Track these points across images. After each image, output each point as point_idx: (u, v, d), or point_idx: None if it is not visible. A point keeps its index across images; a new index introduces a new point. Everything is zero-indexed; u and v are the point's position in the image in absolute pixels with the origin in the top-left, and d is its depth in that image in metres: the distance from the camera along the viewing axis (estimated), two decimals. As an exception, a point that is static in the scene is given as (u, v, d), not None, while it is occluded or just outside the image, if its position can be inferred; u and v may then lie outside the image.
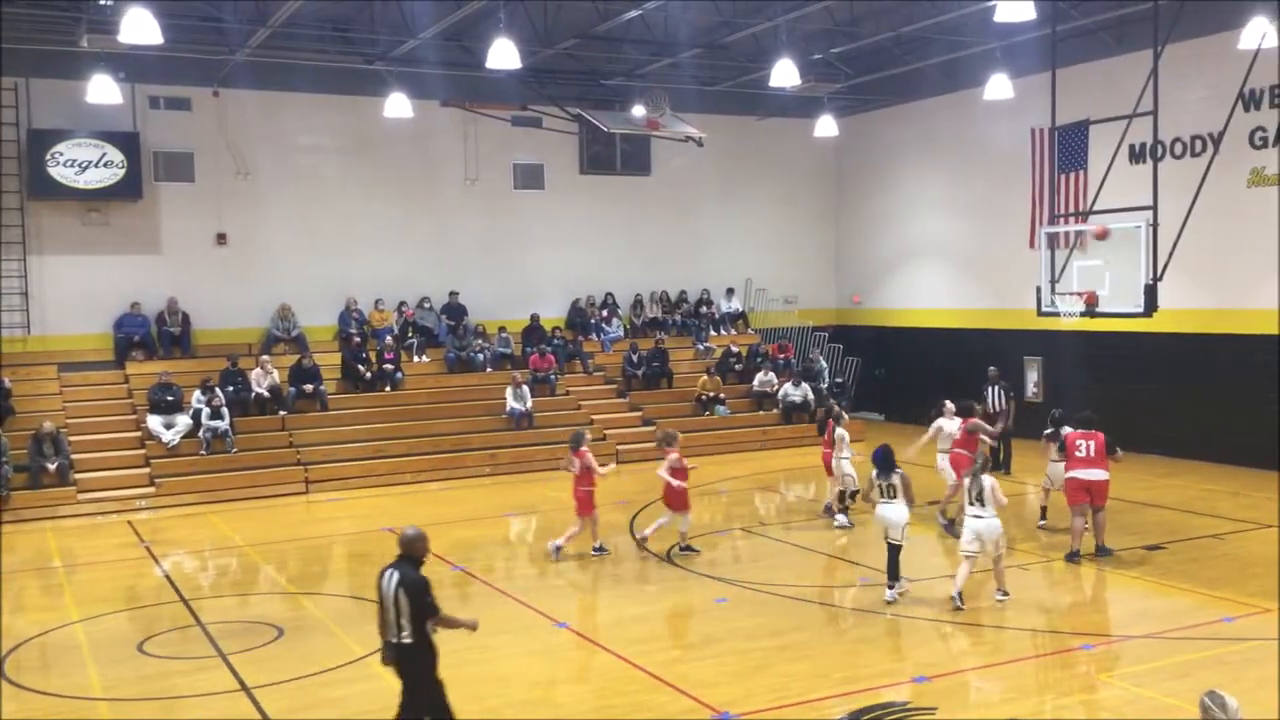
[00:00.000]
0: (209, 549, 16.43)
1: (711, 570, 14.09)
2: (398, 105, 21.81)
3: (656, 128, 23.97)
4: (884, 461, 12.30)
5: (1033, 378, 23.94)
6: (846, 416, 17.00)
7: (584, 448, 14.57)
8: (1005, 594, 12.09)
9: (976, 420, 15.54)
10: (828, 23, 20.98)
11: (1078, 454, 13.78)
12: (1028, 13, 15.00)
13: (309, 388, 21.78)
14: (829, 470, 16.62)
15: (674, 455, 14.75)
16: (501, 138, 25.23)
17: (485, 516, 17.91)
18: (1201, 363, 20.34)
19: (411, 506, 18.71)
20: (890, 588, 12.18)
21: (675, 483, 14.61)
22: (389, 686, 10.07)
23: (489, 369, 24.11)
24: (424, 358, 24.11)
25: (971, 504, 11.87)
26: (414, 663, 7.92)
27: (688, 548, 14.67)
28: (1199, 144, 20.04)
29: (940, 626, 11.52)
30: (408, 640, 7.83)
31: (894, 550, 12.23)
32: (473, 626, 8.38)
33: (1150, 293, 14.52)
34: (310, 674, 10.34)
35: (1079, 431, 13.98)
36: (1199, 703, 5.12)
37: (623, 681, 10.09)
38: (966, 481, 12.03)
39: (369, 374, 22.70)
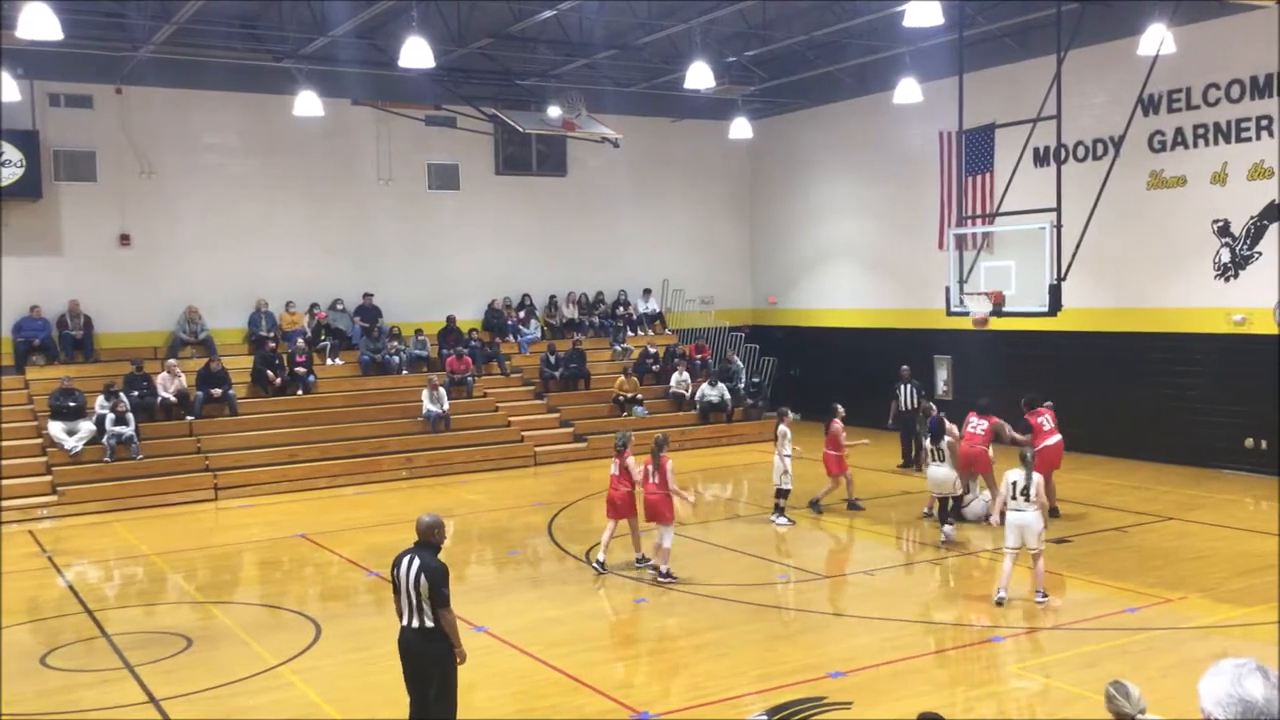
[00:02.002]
0: (114, 558, 15.96)
1: (630, 571, 14.09)
2: (308, 104, 21.44)
3: (572, 128, 23.95)
4: (936, 430, 14.82)
5: (943, 376, 24.42)
6: (791, 415, 17.02)
7: (627, 450, 13.59)
8: (1045, 596, 11.93)
9: (1000, 421, 15.91)
10: (741, 26, 21.15)
11: (969, 428, 15.61)
12: (936, 18, 15.28)
13: (217, 392, 21.30)
14: (830, 470, 16.77)
15: (669, 463, 13.44)
16: (415, 137, 24.97)
17: (401, 521, 17.57)
18: (1104, 360, 20.94)
19: (325, 512, 18.42)
20: (944, 528, 14.75)
21: (683, 495, 13.65)
22: (301, 695, 9.92)
23: (405, 371, 23.85)
24: (337, 360, 23.75)
25: (1015, 499, 11.79)
26: (434, 646, 7.87)
27: (654, 567, 13.60)
28: (1100, 147, 20.63)
29: (856, 622, 11.68)
30: (430, 625, 7.80)
31: (943, 502, 14.83)
32: (461, 657, 8.08)
33: (1054, 292, 14.92)
34: (221, 684, 10.11)
35: (976, 412, 15.83)
36: (1104, 692, 5.26)
37: (542, 684, 10.05)
38: (1014, 476, 11.80)
39: (279, 378, 22.27)
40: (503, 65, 23.11)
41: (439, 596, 7.77)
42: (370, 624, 11.94)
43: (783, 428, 16.34)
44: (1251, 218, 18.88)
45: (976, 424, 15.71)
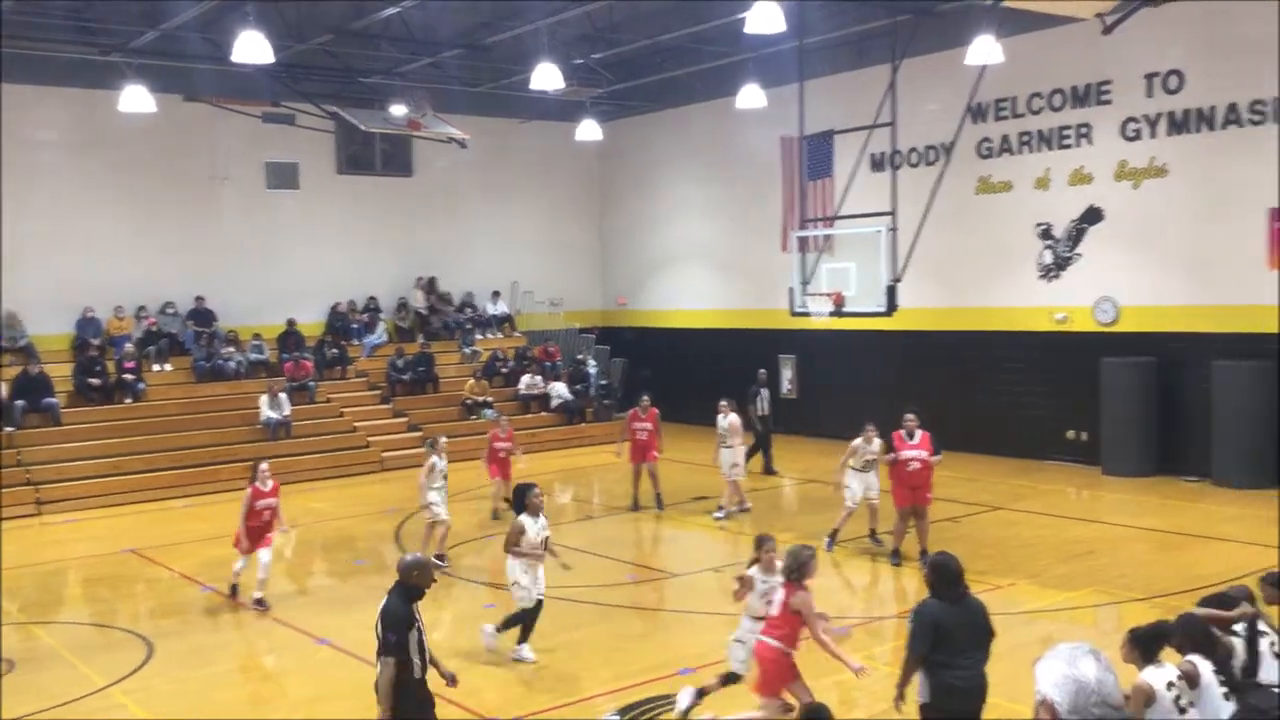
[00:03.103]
0: (-76, 580, 14.91)
1: (480, 576, 13.95)
2: (137, 99, 20.47)
3: (418, 128, 23.56)
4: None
5: (788, 375, 24.97)
6: (727, 402, 17.22)
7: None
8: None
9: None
10: (588, 28, 21.18)
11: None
12: (777, 25, 15.60)
13: (40, 401, 20.16)
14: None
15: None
16: (252, 135, 24.12)
17: (240, 532, 17.04)
18: (937, 357, 21.75)
19: (156, 525, 17.63)
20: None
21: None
22: (132, 717, 9.46)
23: (242, 377, 23.05)
24: (167, 366, 22.77)
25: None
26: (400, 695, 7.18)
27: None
28: (933, 153, 21.43)
29: (706, 618, 11.80)
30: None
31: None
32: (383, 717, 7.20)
33: (891, 293, 15.40)
34: (46, 708, 9.55)
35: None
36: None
37: (389, 695, 9.81)
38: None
39: (101, 384, 21.19)
40: (344, 62, 22.55)
41: (382, 642, 7.11)
42: (205, 641, 11.48)
43: (731, 418, 16.58)
44: (1072, 221, 19.90)
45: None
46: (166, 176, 23.55)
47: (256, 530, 12.85)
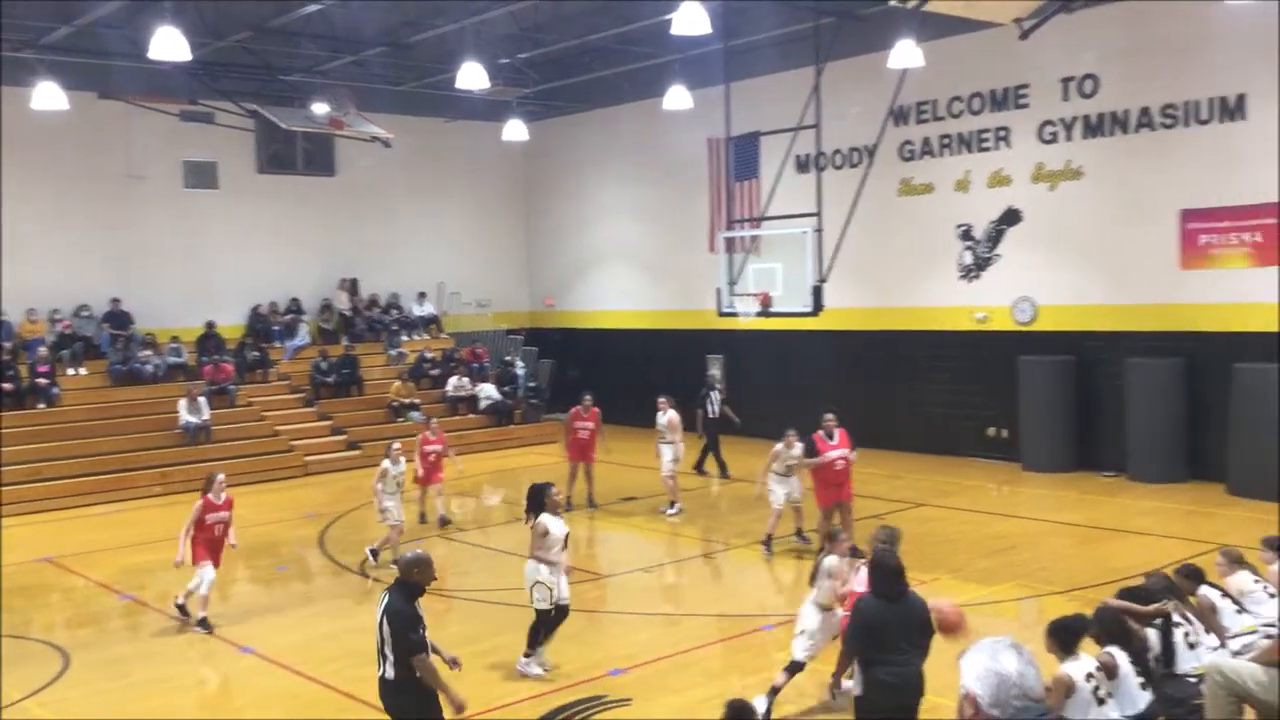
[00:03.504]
0: None
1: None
2: (49, 96, 19.88)
3: (341, 127, 23.25)
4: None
5: (715, 375, 25.07)
6: (666, 399, 17.44)
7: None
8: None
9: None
10: (514, 28, 21.07)
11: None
12: (703, 26, 15.67)
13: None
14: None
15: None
16: (170, 133, 23.58)
17: (158, 540, 16.57)
18: (862, 357, 22.03)
19: (72, 533, 17.17)
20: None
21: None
22: (48, 732, 9.20)
23: (160, 381, 22.54)
24: (82, 370, 22.17)
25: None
26: (394, 701, 7.03)
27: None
28: (856, 156, 21.70)
29: (635, 619, 11.82)
30: (389, 675, 6.97)
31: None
32: (458, 706, 7.13)
33: (817, 293, 15.56)
34: (-48, 726, 9.25)
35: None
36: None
37: (314, 704, 9.69)
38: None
39: (13, 389, 20.54)
40: (264, 60, 22.17)
41: (406, 643, 6.90)
42: (124, 651, 11.21)
43: (670, 415, 16.77)
44: (991, 222, 20.29)
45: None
46: (80, 176, 22.93)
47: (206, 545, 12.00)
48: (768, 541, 14.36)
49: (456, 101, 25.06)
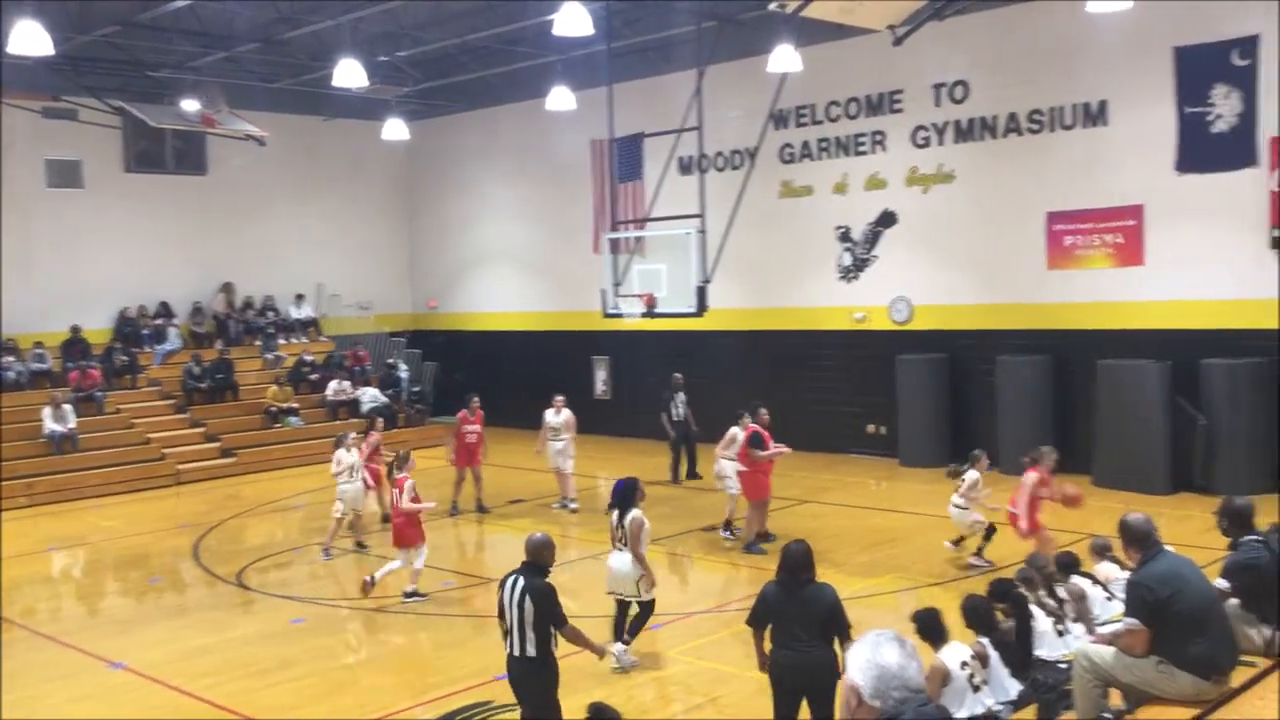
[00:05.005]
0: None
1: (286, 590, 13.49)
2: (-104, 89, 18.91)
3: (212, 124, 22.57)
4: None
5: (601, 376, 25.14)
6: (561, 398, 17.54)
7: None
8: None
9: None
10: (392, 26, 20.75)
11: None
12: (585, 28, 15.67)
13: None
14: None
15: (407, 482, 12.59)
16: (31, 131, 22.58)
17: (22, 554, 15.92)
18: (746, 357, 22.30)
19: (-72, 549, 16.30)
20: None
21: (420, 509, 12.68)
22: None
23: (23, 388, 21.57)
24: (-61, 378, 21.12)
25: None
26: (535, 679, 7.43)
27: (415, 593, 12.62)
28: (738, 158, 21.97)
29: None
30: (531, 654, 7.36)
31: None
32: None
33: (701, 294, 15.69)
34: None
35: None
36: None
37: (188, 719, 9.38)
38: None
39: None
40: (132, 55, 21.41)
41: (552, 618, 7.44)
42: (-14, 671, 10.68)
43: (565, 415, 17.09)
44: (869, 224, 20.76)
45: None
46: (-68, 173, 21.84)
47: (416, 525, 12.66)
48: (728, 525, 14.84)
49: (334, 99, 24.58)
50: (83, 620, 12.58)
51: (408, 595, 12.40)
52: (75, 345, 22.88)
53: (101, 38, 19.82)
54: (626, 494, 10.26)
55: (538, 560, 7.67)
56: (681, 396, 19.07)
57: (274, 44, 21.01)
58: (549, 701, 7.53)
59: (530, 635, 7.37)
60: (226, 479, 21.14)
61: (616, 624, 10.27)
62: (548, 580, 7.62)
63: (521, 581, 7.50)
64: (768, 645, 7.53)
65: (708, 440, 17.04)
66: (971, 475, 13.13)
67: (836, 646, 7.19)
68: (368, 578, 12.61)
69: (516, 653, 7.46)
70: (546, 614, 7.40)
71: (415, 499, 12.55)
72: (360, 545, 15.10)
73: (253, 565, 14.60)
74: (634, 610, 10.22)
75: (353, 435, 15.39)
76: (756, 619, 7.61)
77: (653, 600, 10.23)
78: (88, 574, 14.97)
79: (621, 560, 10.16)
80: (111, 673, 10.62)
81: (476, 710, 9.17)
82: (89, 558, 15.81)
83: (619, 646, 10.05)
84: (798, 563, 7.45)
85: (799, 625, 7.30)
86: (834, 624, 7.26)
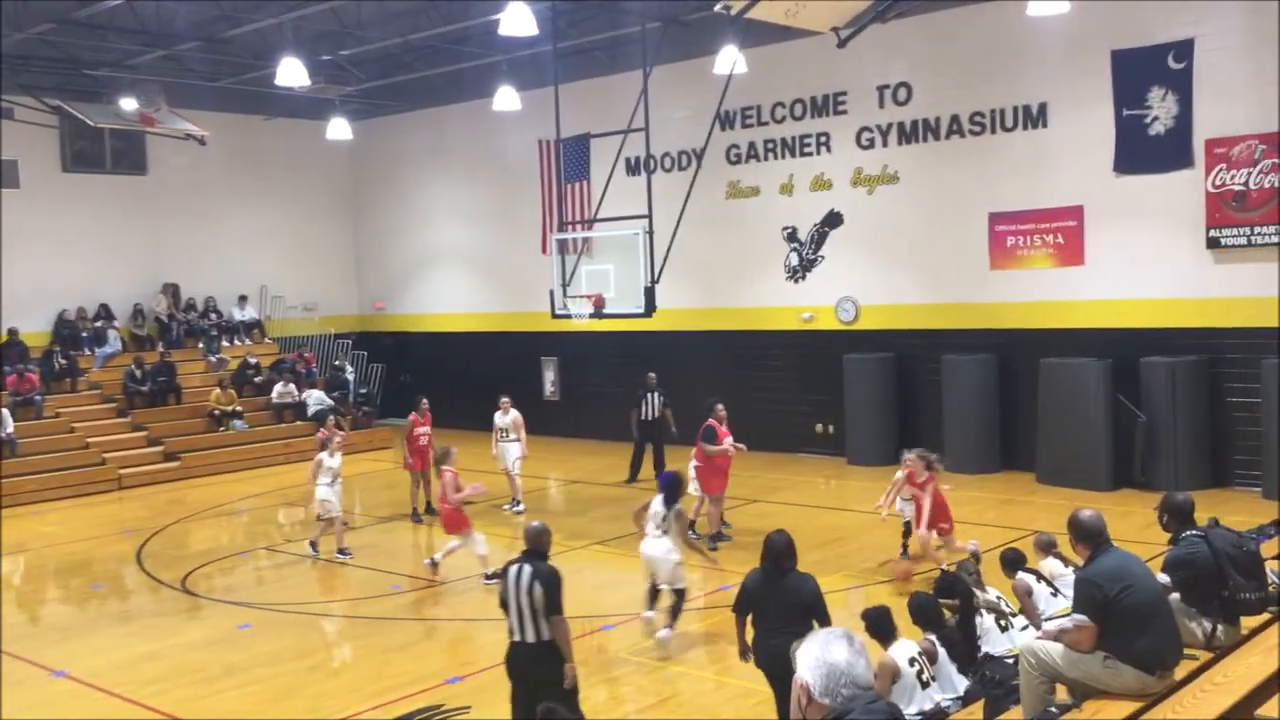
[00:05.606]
0: None
1: (232, 595, 13.31)
2: None
3: (151, 123, 22.22)
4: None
5: (550, 377, 25.09)
6: (508, 399, 17.61)
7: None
8: None
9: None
10: (335, 25, 20.55)
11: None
12: (530, 28, 15.63)
13: None
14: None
15: (448, 475, 13.13)
16: (-37, 129, 22.12)
17: (-41, 562, 15.60)
18: (695, 357, 22.36)
19: None
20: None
21: (464, 500, 13.12)
22: None
23: (-43, 393, 21.10)
24: None
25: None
26: (542, 662, 7.44)
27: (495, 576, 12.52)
28: (685, 159, 22.05)
29: (471, 625, 11.70)
30: (545, 638, 7.40)
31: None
32: (569, 676, 7.57)
33: (649, 294, 15.72)
34: None
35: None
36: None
37: (135, 728, 9.24)
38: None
39: None
40: (69, 53, 21.01)
41: (556, 604, 7.42)
42: (-79, 683, 10.43)
43: (513, 415, 17.03)
44: (815, 225, 20.93)
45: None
46: None
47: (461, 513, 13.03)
48: (692, 525, 14.61)
49: (276, 99, 24.29)
50: (23, 628, 12.32)
51: (488, 577, 12.61)
52: (13, 348, 22.39)
53: (38, 35, 19.43)
54: (674, 486, 11.07)
55: (539, 547, 7.75)
56: (657, 396, 18.75)
57: (215, 42, 20.71)
58: (564, 691, 7.52)
59: (542, 623, 7.44)
60: (170, 484, 20.82)
61: (649, 595, 11.02)
62: (552, 565, 7.72)
63: (528, 568, 7.53)
64: (749, 633, 7.75)
65: (684, 442, 16.94)
66: (898, 475, 13.26)
67: None
68: (428, 560, 13.38)
69: (529, 639, 7.47)
70: (553, 599, 7.43)
71: (458, 488, 13.02)
72: (342, 551, 14.71)
73: (198, 570, 14.41)
74: (665, 599, 10.79)
75: (338, 438, 15.32)
76: (739, 606, 7.85)
77: (685, 588, 10.87)
78: (27, 581, 14.66)
79: (659, 547, 10.75)
80: (53, 681, 10.43)
81: (428, 713, 9.11)
82: (29, 564, 15.50)
83: (665, 632, 10.59)
84: (779, 551, 7.69)
85: (778, 613, 7.50)
86: (815, 613, 7.47)
